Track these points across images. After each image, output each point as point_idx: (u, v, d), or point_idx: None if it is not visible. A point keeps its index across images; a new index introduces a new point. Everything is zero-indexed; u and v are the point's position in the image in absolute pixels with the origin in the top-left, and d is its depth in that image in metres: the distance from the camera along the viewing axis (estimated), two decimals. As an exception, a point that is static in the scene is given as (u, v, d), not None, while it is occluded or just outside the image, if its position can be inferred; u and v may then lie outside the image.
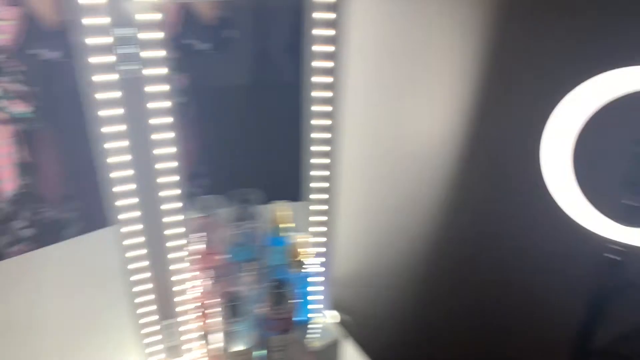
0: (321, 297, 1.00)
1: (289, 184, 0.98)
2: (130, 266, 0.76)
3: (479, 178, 1.24)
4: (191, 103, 0.86)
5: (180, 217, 0.79)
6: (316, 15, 0.75)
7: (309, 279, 0.98)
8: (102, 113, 0.64)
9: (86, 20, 0.59)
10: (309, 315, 0.99)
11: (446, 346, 1.49)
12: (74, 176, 1.16)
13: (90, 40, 0.60)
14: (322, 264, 0.97)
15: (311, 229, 0.95)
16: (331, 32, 0.77)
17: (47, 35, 1.07)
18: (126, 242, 0.74)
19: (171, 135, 0.72)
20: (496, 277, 1.51)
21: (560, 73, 1.03)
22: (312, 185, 0.90)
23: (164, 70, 0.67)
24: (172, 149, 0.73)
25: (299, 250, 0.91)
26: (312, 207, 0.92)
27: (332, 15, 0.75)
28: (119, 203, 0.71)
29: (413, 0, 0.97)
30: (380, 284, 1.22)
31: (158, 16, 0.64)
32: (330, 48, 0.78)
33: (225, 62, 1.00)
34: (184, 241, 0.81)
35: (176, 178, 0.75)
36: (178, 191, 0.76)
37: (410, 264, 1.26)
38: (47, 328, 0.97)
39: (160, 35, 0.65)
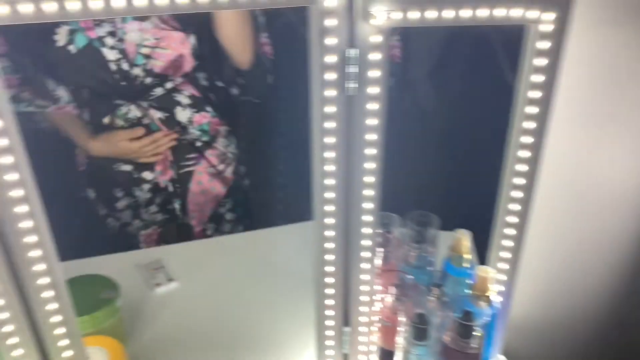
0: (496, 338, 0.95)
1: (472, 213, 0.96)
2: (323, 268, 0.81)
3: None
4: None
5: (371, 231, 0.82)
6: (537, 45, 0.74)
7: (488, 318, 0.94)
8: (326, 125, 0.72)
9: (327, 40, 0.66)
10: (487, 356, 0.94)
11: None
12: (283, 174, 1.29)
13: (327, 59, 0.68)
14: (501, 303, 0.93)
15: (494, 264, 0.91)
16: (544, 60, 0.75)
17: (235, 71, 1.22)
18: (323, 244, 0.80)
19: (375, 151, 0.76)
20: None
21: None
22: (502, 217, 0.87)
23: (379, 90, 0.72)
24: (374, 165, 0.77)
25: (486, 284, 0.88)
26: (498, 241, 0.89)
27: (547, 44, 0.74)
28: (322, 207, 0.78)
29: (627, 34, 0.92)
30: (557, 333, 1.13)
31: (379, 39, 0.70)
32: (540, 77, 0.77)
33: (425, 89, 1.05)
34: (369, 254, 0.84)
35: (372, 192, 0.79)
36: (372, 205, 0.80)
37: (591, 316, 1.15)
38: (226, 310, 1.06)
39: (380, 56, 0.70)
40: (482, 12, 0.70)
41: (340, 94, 0.71)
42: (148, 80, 1.20)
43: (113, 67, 1.17)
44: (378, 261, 0.92)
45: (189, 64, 1.22)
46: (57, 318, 0.70)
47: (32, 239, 0.65)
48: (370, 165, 0.77)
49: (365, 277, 0.85)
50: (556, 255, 1.06)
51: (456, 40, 1.04)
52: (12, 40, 1.15)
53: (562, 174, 1.00)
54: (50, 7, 0.56)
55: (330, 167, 0.76)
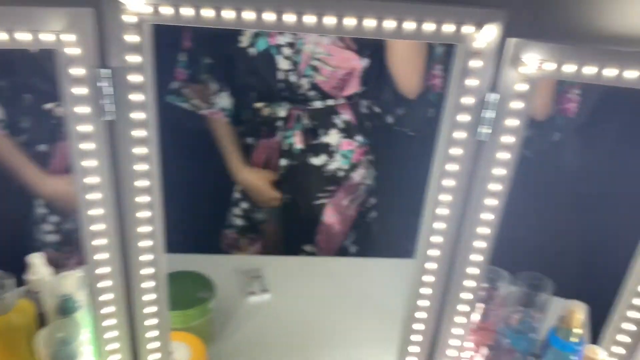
0: None
1: (594, 286, 0.87)
2: (413, 313, 0.78)
3: None
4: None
5: (474, 284, 0.76)
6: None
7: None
8: (448, 167, 0.69)
9: (468, 82, 0.63)
10: None
11: None
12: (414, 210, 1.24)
13: (464, 100, 0.64)
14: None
15: (608, 347, 0.82)
16: None
17: (396, 100, 1.15)
18: (419, 289, 0.76)
19: (495, 203, 0.71)
20: None
21: None
22: (628, 297, 0.77)
23: (514, 140, 0.67)
24: (492, 216, 0.72)
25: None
26: (618, 323, 0.79)
27: None
28: (425, 250, 0.74)
29: None
30: None
31: (525, 87, 0.65)
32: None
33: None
34: (468, 308, 0.78)
35: (484, 244, 0.74)
36: (481, 258, 0.75)
37: None
38: (311, 329, 1.04)
39: (522, 105, 0.65)
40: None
41: (470, 137, 0.67)
42: (311, 93, 1.19)
43: (281, 76, 1.17)
44: (476, 316, 0.86)
45: (353, 87, 1.19)
46: (152, 309, 0.73)
47: (145, 229, 0.68)
48: (487, 217, 0.72)
49: (457, 331, 0.79)
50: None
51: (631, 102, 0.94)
52: (198, 37, 1.18)
53: None
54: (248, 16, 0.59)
55: (442, 210, 0.71)
